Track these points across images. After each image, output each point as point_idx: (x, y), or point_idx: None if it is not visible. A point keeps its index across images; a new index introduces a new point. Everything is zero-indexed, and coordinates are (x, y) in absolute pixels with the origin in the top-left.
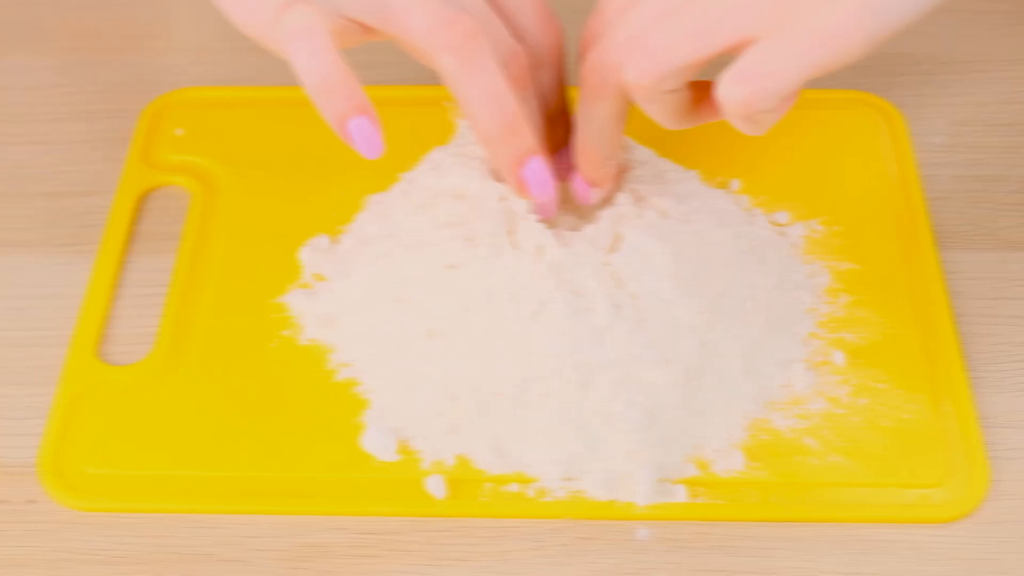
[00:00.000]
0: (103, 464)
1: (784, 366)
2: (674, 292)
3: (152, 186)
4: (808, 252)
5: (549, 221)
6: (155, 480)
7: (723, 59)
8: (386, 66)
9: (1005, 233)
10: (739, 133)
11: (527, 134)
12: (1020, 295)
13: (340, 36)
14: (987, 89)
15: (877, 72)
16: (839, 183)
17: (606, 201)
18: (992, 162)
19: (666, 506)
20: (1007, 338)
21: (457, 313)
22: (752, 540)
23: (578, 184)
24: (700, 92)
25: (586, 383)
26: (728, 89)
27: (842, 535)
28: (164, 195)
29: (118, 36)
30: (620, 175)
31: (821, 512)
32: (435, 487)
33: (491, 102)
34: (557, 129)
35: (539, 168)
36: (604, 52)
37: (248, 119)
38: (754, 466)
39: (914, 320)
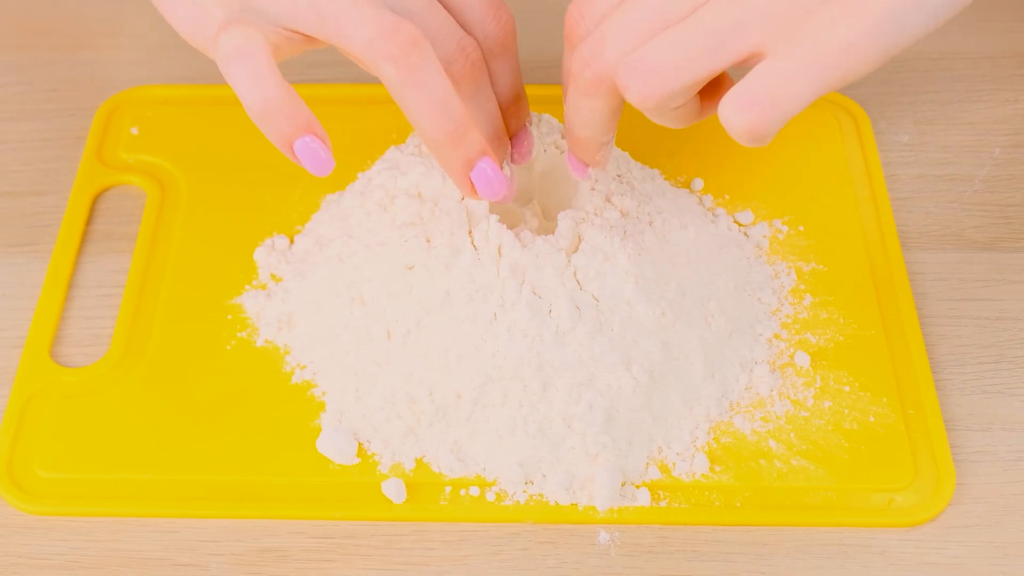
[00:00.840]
0: (56, 467)
1: (747, 368)
2: (635, 293)
3: (107, 185)
4: (772, 252)
5: (510, 221)
6: (109, 483)
7: None
8: (343, 64)
9: (970, 233)
10: (701, 132)
11: (474, 138)
12: (985, 296)
13: (280, 49)
14: (952, 87)
15: None
16: (803, 183)
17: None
18: (957, 161)
19: (628, 510)
20: (972, 340)
21: (415, 314)
22: (715, 544)
23: (572, 162)
24: (708, 92)
25: (547, 385)
26: (733, 116)
27: (806, 539)
28: (119, 195)
29: (72, 34)
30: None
31: (785, 516)
32: (393, 491)
33: (435, 110)
34: (514, 115)
35: (488, 170)
36: (597, 50)
37: (204, 118)
38: (717, 469)
39: (879, 321)
